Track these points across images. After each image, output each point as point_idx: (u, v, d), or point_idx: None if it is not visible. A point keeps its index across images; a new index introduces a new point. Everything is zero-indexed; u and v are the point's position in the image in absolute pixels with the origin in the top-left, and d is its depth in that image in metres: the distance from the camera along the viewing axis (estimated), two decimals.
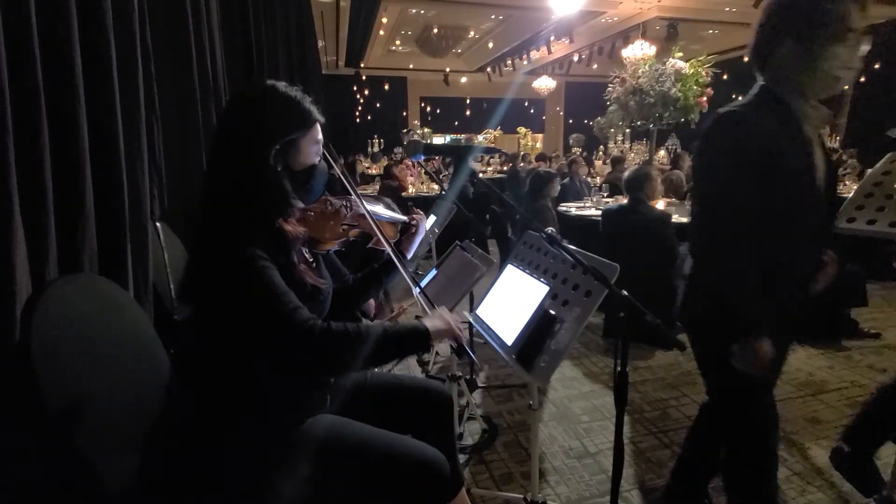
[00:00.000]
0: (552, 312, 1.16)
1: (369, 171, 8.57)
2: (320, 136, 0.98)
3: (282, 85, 0.95)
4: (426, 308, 1.12)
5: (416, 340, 0.98)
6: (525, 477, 1.85)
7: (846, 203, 1.36)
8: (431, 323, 1.00)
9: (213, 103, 2.01)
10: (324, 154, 1.01)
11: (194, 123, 1.87)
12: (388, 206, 1.35)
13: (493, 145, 11.62)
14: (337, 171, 1.07)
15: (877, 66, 8.97)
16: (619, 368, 1.07)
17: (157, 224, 1.58)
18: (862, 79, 9.32)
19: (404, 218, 1.30)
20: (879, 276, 4.04)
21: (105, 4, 1.02)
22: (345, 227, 1.11)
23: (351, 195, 1.13)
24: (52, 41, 0.90)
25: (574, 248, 1.15)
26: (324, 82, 7.20)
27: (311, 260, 1.05)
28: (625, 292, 1.01)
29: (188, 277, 0.90)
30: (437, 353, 2.90)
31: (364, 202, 1.11)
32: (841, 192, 5.08)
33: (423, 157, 1.48)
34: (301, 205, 0.99)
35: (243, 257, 0.84)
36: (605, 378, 2.62)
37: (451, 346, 1.08)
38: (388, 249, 1.13)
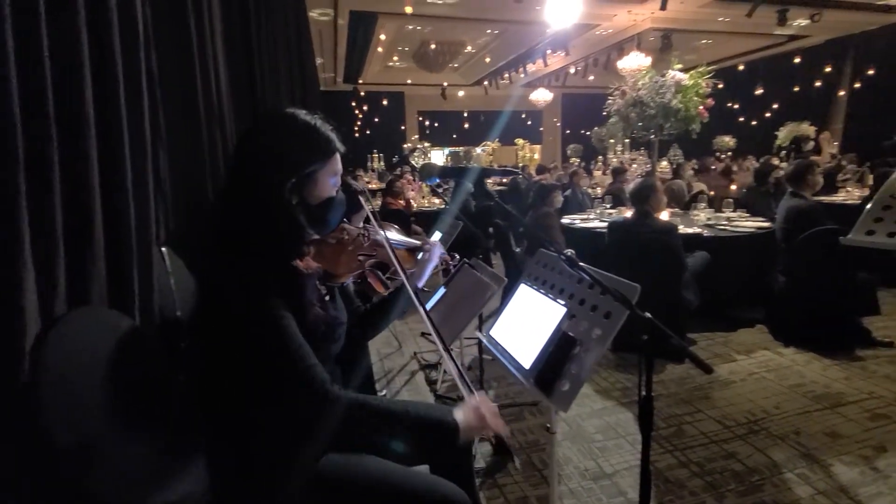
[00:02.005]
0: (571, 335, 1.13)
1: (370, 186, 8.60)
2: (339, 166, 0.94)
3: (302, 112, 0.92)
4: (464, 392, 0.95)
5: (441, 435, 0.87)
6: (541, 500, 1.79)
7: (864, 215, 1.33)
8: (464, 416, 0.88)
9: (217, 126, 2.00)
10: (356, 194, 0.98)
11: (198, 146, 1.86)
12: (399, 232, 1.32)
13: (509, 166, 11.65)
14: (367, 211, 1.04)
15: (870, 72, 9.06)
16: (643, 393, 1.04)
17: (163, 249, 1.56)
18: (857, 84, 9.43)
19: (418, 243, 1.27)
20: (890, 283, 4.01)
21: (112, 31, 1.01)
22: (362, 257, 1.07)
23: (369, 223, 1.09)
24: (62, 69, 0.89)
25: (590, 267, 1.12)
26: (322, 99, 7.26)
27: (326, 293, 1.02)
28: (648, 314, 0.98)
29: (200, 318, 0.87)
30: (444, 372, 2.86)
31: (383, 231, 1.07)
32: (844, 200, 5.09)
33: (437, 180, 1.46)
34: (316, 236, 0.95)
35: (259, 308, 0.80)
36: (616, 394, 2.57)
37: (489, 441, 0.93)
38: (406, 283, 1.07)
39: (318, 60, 9.41)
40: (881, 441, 2.06)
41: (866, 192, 4.77)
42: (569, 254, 1.06)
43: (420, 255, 1.28)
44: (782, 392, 2.51)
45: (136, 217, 1.15)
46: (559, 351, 1.12)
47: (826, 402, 2.39)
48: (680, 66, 3.69)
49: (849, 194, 5.46)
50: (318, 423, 0.82)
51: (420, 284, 1.27)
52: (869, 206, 1.35)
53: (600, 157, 9.88)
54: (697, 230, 3.50)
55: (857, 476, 1.85)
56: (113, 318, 0.91)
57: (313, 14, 7.39)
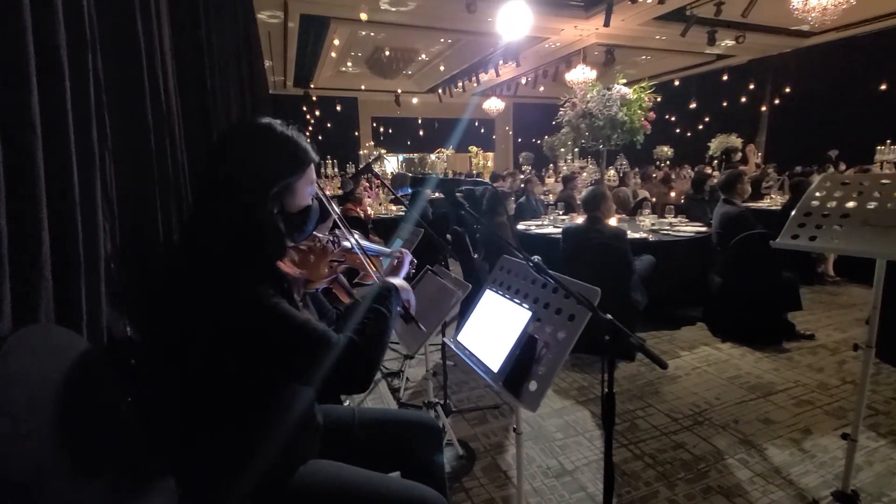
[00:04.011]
0: (537, 337, 1.17)
1: (326, 192, 8.40)
2: (314, 175, 0.97)
3: (278, 123, 0.92)
4: (375, 276, 1.16)
5: (392, 298, 1.03)
6: (506, 501, 1.83)
7: (789, 221, 1.48)
8: (394, 282, 1.07)
9: (165, 131, 1.91)
10: (321, 200, 0.99)
11: (146, 153, 1.76)
12: (362, 238, 1.32)
13: (462, 174, 11.78)
14: (335, 217, 1.04)
15: (787, 90, 10.01)
16: (606, 390, 1.10)
17: (111, 264, 1.46)
18: (776, 101, 10.39)
19: (388, 251, 1.28)
20: (809, 281, 4.46)
21: (59, 39, 0.95)
22: (333, 263, 1.08)
23: (337, 230, 1.10)
24: (5, 71, 0.83)
25: (554, 272, 1.17)
26: (272, 103, 7.05)
27: (300, 301, 1.01)
28: (609, 316, 1.04)
29: (178, 335, 0.83)
30: (407, 379, 2.85)
31: (351, 237, 1.08)
32: (769, 206, 5.59)
33: (409, 190, 1.48)
34: (291, 243, 0.96)
35: (254, 299, 0.81)
36: (574, 394, 2.67)
37: (399, 312, 1.09)
38: (375, 277, 1.10)
39: (267, 63, 9.14)
40: (807, 424, 2.28)
41: (787, 198, 5.25)
42: (536, 260, 1.10)
43: (394, 262, 1.30)
44: (722, 384, 2.71)
45: (83, 228, 1.08)
46: (526, 353, 1.16)
47: (759, 392, 2.61)
48: (624, 80, 3.93)
49: (773, 201, 6.01)
50: (358, 369, 0.88)
51: None
52: (793, 212, 1.50)
53: (551, 164, 10.26)
54: (643, 235, 3.72)
55: (788, 457, 2.04)
56: (65, 337, 0.85)
57: (262, 16, 7.19)
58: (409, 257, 1.32)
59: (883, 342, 1.52)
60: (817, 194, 1.49)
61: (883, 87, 8.66)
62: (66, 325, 0.96)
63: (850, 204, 1.41)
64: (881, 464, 1.97)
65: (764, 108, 10.86)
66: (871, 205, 1.36)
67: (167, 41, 1.98)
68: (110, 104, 1.42)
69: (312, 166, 0.96)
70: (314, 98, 12.69)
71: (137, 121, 1.72)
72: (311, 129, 13.10)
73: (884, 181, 1.41)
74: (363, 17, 7.07)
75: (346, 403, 2.58)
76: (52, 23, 0.94)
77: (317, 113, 12.97)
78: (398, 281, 1.10)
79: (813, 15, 5.31)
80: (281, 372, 0.86)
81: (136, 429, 0.96)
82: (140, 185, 1.75)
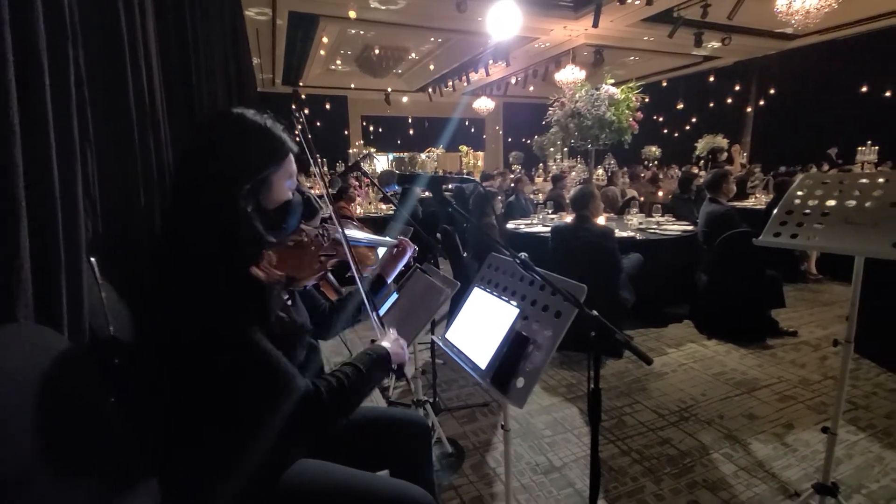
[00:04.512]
0: (524, 334, 1.18)
1: (314, 192, 8.35)
2: (294, 167, 0.92)
3: (250, 112, 0.88)
4: (378, 329, 1.10)
5: (384, 368, 0.99)
6: (495, 498, 1.84)
7: (772, 219, 1.51)
8: (389, 345, 1.02)
9: (149, 127, 1.88)
10: (313, 199, 0.97)
11: (129, 148, 1.73)
12: (359, 229, 1.31)
13: (454, 173, 11.78)
14: (329, 210, 1.02)
15: (772, 91, 10.18)
16: (592, 386, 1.11)
17: (91, 259, 1.44)
18: (761, 102, 10.57)
19: (388, 240, 1.27)
20: (792, 279, 4.54)
21: (38, 27, 0.93)
22: (323, 257, 1.05)
23: (328, 222, 1.08)
24: None
25: (541, 270, 1.18)
26: (260, 101, 6.99)
27: (288, 298, 0.99)
28: (595, 312, 1.05)
29: (151, 336, 0.81)
30: (395, 378, 2.84)
31: (343, 229, 1.06)
32: (754, 205, 5.68)
33: (397, 188, 1.47)
34: (273, 240, 0.93)
35: (234, 330, 0.77)
36: (562, 391, 2.69)
37: (392, 369, 1.05)
38: (356, 277, 1.08)
39: (255, 60, 9.05)
40: (789, 419, 2.32)
41: (771, 197, 5.35)
42: (523, 257, 1.11)
43: (394, 251, 1.29)
44: (707, 380, 2.75)
45: (63, 224, 1.06)
46: (513, 350, 1.17)
47: (744, 388, 2.65)
48: (612, 80, 3.96)
49: (757, 200, 6.11)
50: (311, 427, 0.85)
51: (389, 280, 1.27)
52: (775, 211, 1.53)
53: (541, 164, 10.31)
54: (631, 234, 3.75)
55: (771, 451, 2.07)
56: (45, 336, 0.83)
57: (249, 13, 7.11)
58: (412, 247, 1.31)
59: (862, 338, 1.56)
60: (799, 193, 1.51)
61: (864, 88, 8.86)
62: (45, 323, 0.94)
63: (831, 202, 1.44)
64: (860, 457, 2.02)
65: (749, 109, 11.04)
66: (851, 203, 1.39)
67: (152, 34, 1.95)
68: (92, 98, 1.39)
69: (291, 157, 0.90)
70: (303, 96, 12.59)
71: (121, 116, 1.69)
72: (299, 127, 12.99)
73: (862, 180, 1.44)
74: (352, 15, 7.03)
75: None
76: (30, 10, 0.92)
77: (306, 111, 12.86)
78: (393, 346, 1.02)
79: (796, 18, 5.41)
80: (233, 402, 0.82)
81: (120, 429, 0.94)
82: (123, 182, 1.72)
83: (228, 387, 0.80)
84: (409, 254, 1.29)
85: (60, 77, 1.06)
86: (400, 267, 1.30)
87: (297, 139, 0.99)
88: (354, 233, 1.21)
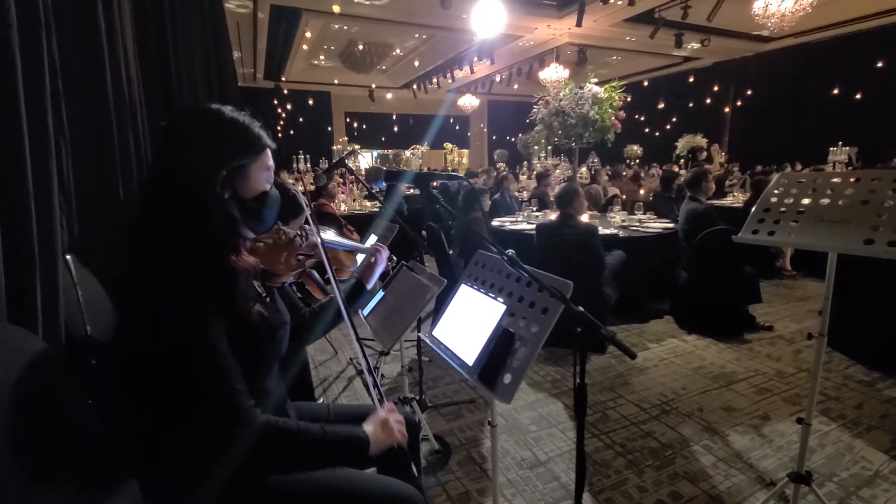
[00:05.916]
0: (511, 331, 1.18)
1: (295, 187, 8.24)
2: (271, 162, 0.92)
3: (228, 109, 0.88)
4: (375, 403, 1.02)
5: (353, 452, 0.89)
6: (482, 494, 1.85)
7: (750, 217, 1.55)
8: (373, 429, 0.92)
9: (128, 121, 1.83)
10: (299, 197, 0.96)
11: (107, 143, 1.68)
12: (336, 234, 1.31)
13: (439, 169, 11.77)
14: (307, 213, 1.02)
15: (749, 92, 10.43)
16: (578, 381, 1.12)
17: (68, 257, 1.40)
18: (738, 102, 10.82)
19: (363, 246, 1.27)
20: (768, 275, 4.67)
21: (9, 17, 0.89)
22: (300, 257, 1.05)
23: (307, 225, 1.07)
24: None
25: (528, 267, 1.19)
26: (241, 95, 6.86)
27: (265, 294, 0.98)
28: (581, 308, 1.07)
29: (121, 331, 0.79)
30: (382, 376, 2.84)
31: (321, 232, 1.06)
32: (732, 203, 5.82)
33: (384, 184, 1.46)
34: (251, 235, 0.92)
35: (191, 323, 0.76)
36: (547, 386, 2.72)
37: (394, 447, 0.96)
38: (334, 284, 1.07)
39: (236, 54, 8.88)
40: (766, 411, 2.40)
41: (749, 196, 5.48)
42: (510, 254, 1.11)
43: (371, 259, 1.28)
44: (687, 374, 2.81)
45: (37, 220, 1.03)
46: (500, 346, 1.18)
47: (722, 381, 2.72)
48: (596, 79, 4.00)
49: (735, 198, 6.26)
50: (231, 448, 0.79)
51: (369, 287, 1.27)
52: (753, 209, 1.57)
53: (526, 162, 10.37)
54: (614, 231, 3.81)
55: (749, 443, 2.13)
56: (17, 336, 0.80)
57: (230, 5, 6.97)
58: (385, 253, 1.31)
59: (834, 332, 1.61)
60: (775, 192, 1.56)
61: (835, 91, 9.14)
62: (19, 323, 0.91)
63: (805, 201, 1.49)
64: (832, 446, 2.09)
65: (727, 109, 11.30)
66: (824, 202, 1.44)
67: (129, 25, 1.90)
68: (68, 90, 1.35)
69: (268, 152, 0.91)
70: (286, 91, 12.40)
71: (98, 109, 1.64)
72: (282, 123, 12.80)
73: (835, 179, 1.49)
74: (336, 9, 6.95)
75: (321, 400, 2.55)
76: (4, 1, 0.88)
77: (288, 106, 12.68)
78: (377, 428, 0.93)
79: (772, 21, 5.55)
80: (183, 400, 0.80)
81: (98, 430, 0.92)
82: (100, 178, 1.67)
83: (176, 382, 0.79)
84: (382, 262, 1.29)
85: (34, 68, 1.02)
86: (377, 273, 1.30)
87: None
88: (331, 236, 1.21)
